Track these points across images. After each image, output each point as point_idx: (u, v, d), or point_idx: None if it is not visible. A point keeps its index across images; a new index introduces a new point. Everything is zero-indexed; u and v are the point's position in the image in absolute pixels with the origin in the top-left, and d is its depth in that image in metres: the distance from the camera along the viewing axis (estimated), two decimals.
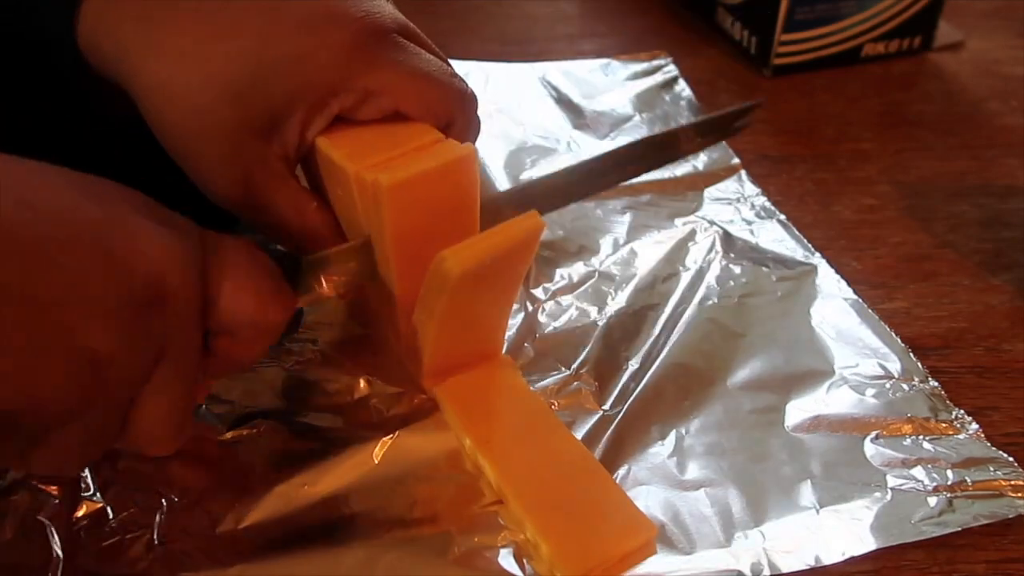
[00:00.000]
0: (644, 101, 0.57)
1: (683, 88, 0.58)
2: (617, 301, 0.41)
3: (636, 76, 0.60)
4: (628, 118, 0.55)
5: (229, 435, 0.34)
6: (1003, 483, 0.32)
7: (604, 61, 0.61)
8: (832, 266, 0.43)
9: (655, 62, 0.61)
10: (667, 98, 0.58)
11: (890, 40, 0.61)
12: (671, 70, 0.60)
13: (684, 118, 0.55)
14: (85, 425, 0.25)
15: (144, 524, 0.30)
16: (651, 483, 0.33)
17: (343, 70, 0.31)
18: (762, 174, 0.50)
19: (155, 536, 0.30)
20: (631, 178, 0.40)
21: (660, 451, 0.34)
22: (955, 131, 0.55)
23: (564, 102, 0.57)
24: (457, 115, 0.34)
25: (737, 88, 0.60)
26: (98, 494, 0.31)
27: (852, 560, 0.30)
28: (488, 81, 0.58)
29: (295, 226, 0.33)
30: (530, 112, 0.55)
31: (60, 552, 0.29)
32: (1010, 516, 0.31)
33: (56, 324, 0.23)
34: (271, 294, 0.29)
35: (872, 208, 0.48)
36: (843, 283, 0.42)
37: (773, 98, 0.58)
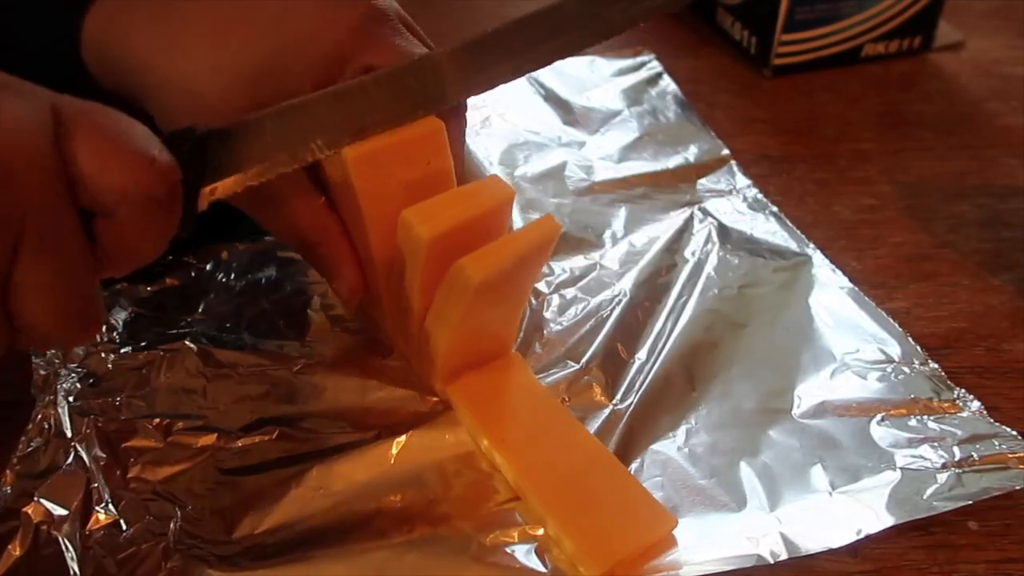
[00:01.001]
0: (631, 96, 0.57)
1: (668, 83, 0.59)
2: (620, 294, 0.41)
3: (622, 72, 0.60)
4: (617, 113, 0.55)
5: (240, 443, 0.34)
6: (1009, 456, 0.33)
7: (589, 58, 0.61)
8: (826, 256, 0.43)
9: (639, 58, 0.61)
10: (653, 93, 0.58)
11: (890, 40, 0.61)
12: (655, 66, 0.60)
13: (672, 112, 0.56)
14: None
15: (159, 533, 0.31)
16: (664, 475, 0.33)
17: (350, 46, 0.32)
18: (762, 174, 0.50)
19: (171, 544, 0.30)
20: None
21: (671, 443, 0.34)
22: (955, 131, 0.55)
23: (553, 99, 0.57)
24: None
25: (737, 88, 0.60)
26: (110, 506, 0.31)
27: (854, 558, 0.31)
28: None
29: (305, 221, 0.34)
30: (520, 109, 0.55)
31: (77, 569, 0.29)
32: (1018, 487, 0.32)
33: None
34: (137, 156, 0.24)
35: (872, 208, 0.48)
36: (838, 272, 0.42)
37: (773, 98, 0.59)
